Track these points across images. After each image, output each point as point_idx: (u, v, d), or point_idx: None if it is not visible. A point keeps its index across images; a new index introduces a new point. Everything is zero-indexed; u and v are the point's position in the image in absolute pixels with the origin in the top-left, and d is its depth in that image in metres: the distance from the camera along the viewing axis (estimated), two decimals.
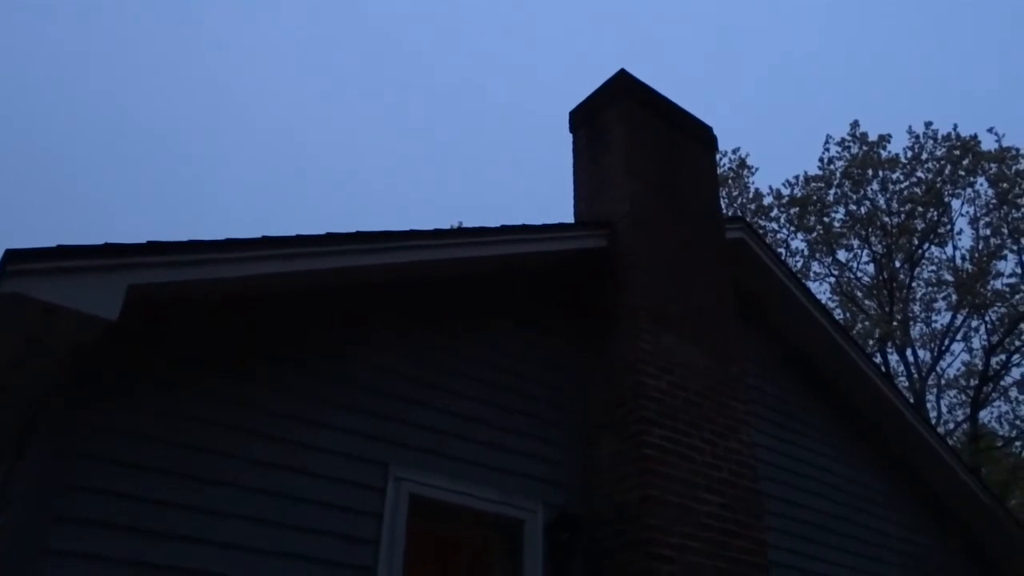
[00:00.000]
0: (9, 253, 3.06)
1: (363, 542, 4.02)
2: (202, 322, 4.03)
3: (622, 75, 6.19)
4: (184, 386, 3.83)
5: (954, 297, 17.60)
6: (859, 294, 18.88)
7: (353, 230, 4.24)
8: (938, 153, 17.75)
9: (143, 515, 3.49)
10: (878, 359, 17.67)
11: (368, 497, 4.13)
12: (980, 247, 17.40)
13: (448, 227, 5.48)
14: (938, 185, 17.53)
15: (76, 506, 3.36)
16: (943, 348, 17.93)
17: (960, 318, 17.73)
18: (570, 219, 6.07)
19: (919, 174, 17.86)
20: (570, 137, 6.44)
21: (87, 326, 3.29)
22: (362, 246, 4.26)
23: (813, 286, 18.91)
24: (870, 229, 18.24)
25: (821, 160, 18.60)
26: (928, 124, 17.90)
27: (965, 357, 18.17)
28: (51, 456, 3.44)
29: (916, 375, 17.73)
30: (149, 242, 3.47)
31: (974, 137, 17.35)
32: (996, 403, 17.94)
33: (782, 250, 18.84)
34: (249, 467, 3.84)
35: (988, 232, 17.30)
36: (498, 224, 4.98)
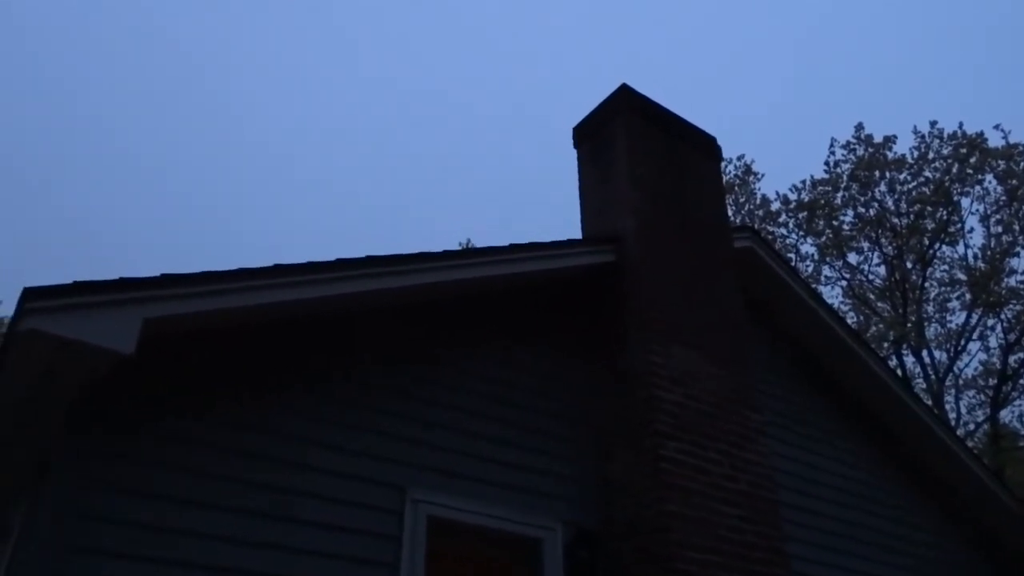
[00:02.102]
0: (27, 291, 3.10)
1: (382, 566, 4.02)
2: (215, 349, 4.06)
3: (624, 89, 6.22)
4: (198, 413, 3.86)
5: (968, 296, 17.49)
6: (872, 296, 18.78)
7: (363, 255, 4.27)
8: (945, 152, 17.71)
9: (160, 544, 3.51)
10: (894, 361, 17.55)
11: (386, 520, 4.14)
12: (992, 245, 17.31)
13: (458, 247, 5.48)
14: (946, 184, 17.47)
15: (94, 536, 3.39)
16: (959, 348, 17.79)
17: (975, 317, 17.62)
18: (578, 233, 6.10)
19: (926, 174, 17.81)
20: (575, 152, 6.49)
21: (104, 360, 3.33)
22: (372, 270, 4.29)
23: (825, 290, 18.86)
24: (880, 231, 18.18)
25: (827, 163, 18.59)
26: (933, 123, 17.88)
27: (982, 356, 18.05)
28: (69, 486, 3.47)
29: (933, 376, 17.60)
30: (163, 275, 3.51)
31: (980, 134, 17.30)
32: (1016, 402, 17.78)
33: (792, 255, 18.79)
34: (265, 493, 3.85)
35: (1000, 229, 17.22)
36: (507, 243, 5.01)
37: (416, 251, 4.51)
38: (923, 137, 17.94)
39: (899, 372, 17.12)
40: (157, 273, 3.50)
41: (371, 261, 4.29)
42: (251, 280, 3.78)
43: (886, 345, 17.63)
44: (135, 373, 3.69)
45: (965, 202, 17.68)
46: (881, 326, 17.82)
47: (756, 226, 18.38)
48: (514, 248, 5.01)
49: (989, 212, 17.45)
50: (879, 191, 18.13)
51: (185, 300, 3.55)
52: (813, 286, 14.38)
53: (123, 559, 3.41)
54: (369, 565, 3.99)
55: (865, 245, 18.52)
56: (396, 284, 4.42)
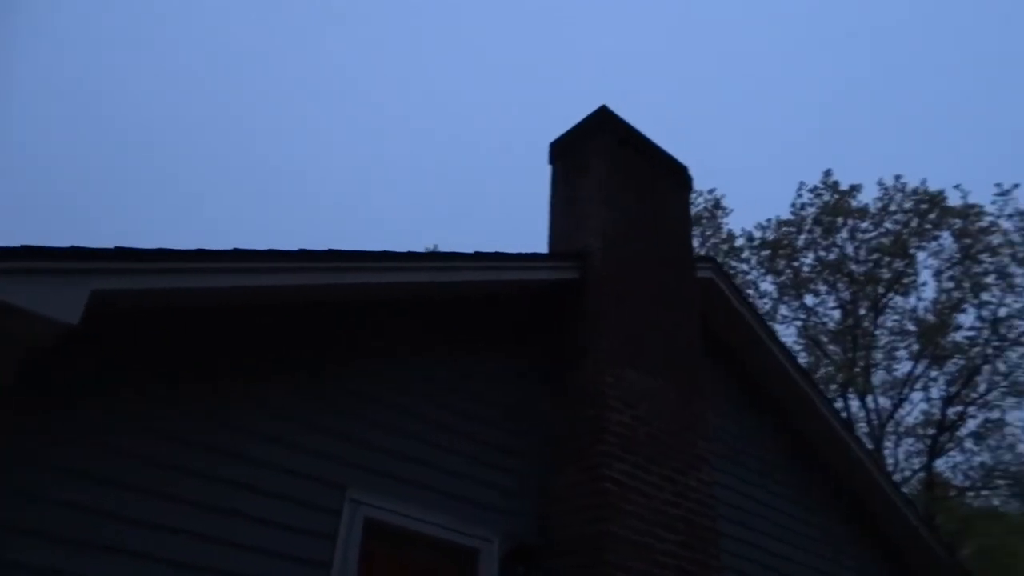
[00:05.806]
0: None
1: (315, 565, 3.95)
2: (168, 331, 3.97)
3: (603, 111, 6.27)
4: (142, 395, 3.76)
5: (915, 347, 17.93)
6: (824, 339, 19.14)
7: (327, 248, 4.21)
8: (906, 206, 18.19)
9: (91, 527, 3.39)
10: (840, 404, 17.88)
11: (323, 519, 4.06)
12: (942, 299, 17.78)
13: (423, 251, 5.46)
14: (904, 236, 17.93)
15: (22, 513, 3.26)
16: (903, 396, 18.21)
17: (920, 368, 18.06)
18: (545, 248, 6.11)
19: (887, 225, 18.27)
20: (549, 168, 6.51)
21: (47, 329, 3.22)
22: (332, 264, 4.23)
23: (780, 328, 19.16)
24: (838, 276, 18.57)
25: (793, 205, 18.97)
26: (898, 177, 18.37)
27: (924, 407, 18.49)
28: (2, 460, 3.34)
29: (875, 421, 17.97)
30: (116, 248, 3.42)
31: (941, 192, 17.81)
32: (951, 453, 18.24)
33: (751, 291, 19.09)
34: (202, 482, 3.76)
35: (951, 285, 17.71)
36: (472, 251, 5.00)
37: (380, 250, 4.47)
38: (887, 189, 18.43)
39: (844, 414, 17.44)
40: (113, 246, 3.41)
41: (332, 255, 4.23)
42: (208, 262, 3.70)
43: (833, 387, 17.98)
44: (79, 347, 3.58)
45: (921, 256, 18.18)
46: (831, 368, 18.18)
47: (719, 260, 18.63)
48: (478, 256, 5.00)
49: (942, 268, 17.95)
50: (840, 237, 18.55)
51: (138, 275, 3.46)
52: (769, 323, 14.59)
53: (48, 539, 3.28)
54: (303, 563, 3.91)
55: (823, 288, 18.91)
56: (356, 280, 4.37)
